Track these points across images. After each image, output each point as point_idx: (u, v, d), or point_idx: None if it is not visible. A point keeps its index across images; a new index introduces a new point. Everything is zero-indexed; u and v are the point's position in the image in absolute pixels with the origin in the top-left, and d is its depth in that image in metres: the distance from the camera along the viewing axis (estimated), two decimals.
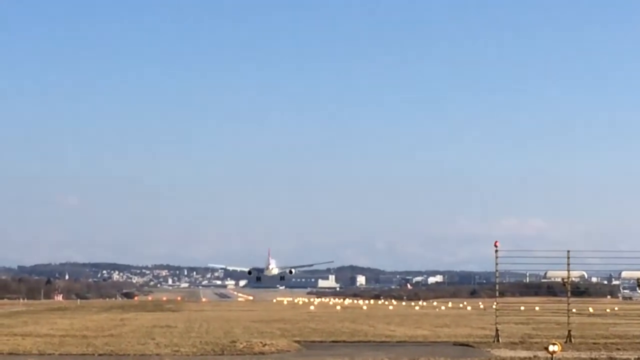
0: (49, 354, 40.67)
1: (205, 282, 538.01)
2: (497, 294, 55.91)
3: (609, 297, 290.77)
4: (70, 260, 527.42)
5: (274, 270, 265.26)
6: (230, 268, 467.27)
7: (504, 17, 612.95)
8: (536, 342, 48.55)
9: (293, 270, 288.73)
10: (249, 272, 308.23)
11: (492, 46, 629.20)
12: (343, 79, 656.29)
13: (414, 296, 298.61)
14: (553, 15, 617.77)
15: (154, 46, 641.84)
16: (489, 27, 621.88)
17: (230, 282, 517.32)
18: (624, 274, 61.35)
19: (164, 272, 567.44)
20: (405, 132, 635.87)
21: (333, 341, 52.12)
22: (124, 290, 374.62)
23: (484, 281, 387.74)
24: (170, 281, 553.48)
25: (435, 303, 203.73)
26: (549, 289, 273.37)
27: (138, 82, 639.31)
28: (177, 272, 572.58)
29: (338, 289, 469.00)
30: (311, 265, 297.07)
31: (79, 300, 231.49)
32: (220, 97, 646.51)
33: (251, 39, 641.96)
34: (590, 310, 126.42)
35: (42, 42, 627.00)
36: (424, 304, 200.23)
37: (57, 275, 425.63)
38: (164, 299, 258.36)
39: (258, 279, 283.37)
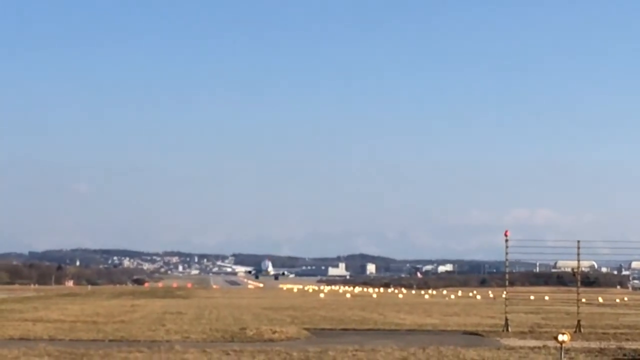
0: (60, 340, 40.82)
1: (215, 269, 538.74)
2: (507, 283, 55.79)
3: (618, 287, 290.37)
4: (81, 246, 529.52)
5: (271, 272, 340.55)
6: (236, 267, 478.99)
7: (512, 7, 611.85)
8: (545, 332, 48.57)
9: (286, 272, 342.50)
10: (250, 272, 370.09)
11: (501, 35, 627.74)
12: (355, 66, 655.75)
13: (423, 285, 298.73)
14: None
15: (161, 28, 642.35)
16: (495, 17, 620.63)
17: (240, 270, 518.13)
18: (634, 264, 61.31)
19: (175, 259, 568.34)
20: (416, 122, 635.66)
21: (343, 329, 52.13)
22: (135, 277, 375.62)
23: (494, 270, 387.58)
24: (180, 268, 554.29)
25: (445, 292, 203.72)
26: (559, 279, 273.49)
27: (147, 69, 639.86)
28: (188, 259, 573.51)
29: (348, 277, 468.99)
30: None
31: (89, 286, 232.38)
32: (230, 88, 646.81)
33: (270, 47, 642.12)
34: (600, 300, 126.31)
35: (50, 31, 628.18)
36: (434, 292, 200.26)
37: (68, 261, 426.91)
38: (175, 285, 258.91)
39: (256, 277, 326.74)
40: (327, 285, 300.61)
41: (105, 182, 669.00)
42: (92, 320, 57.07)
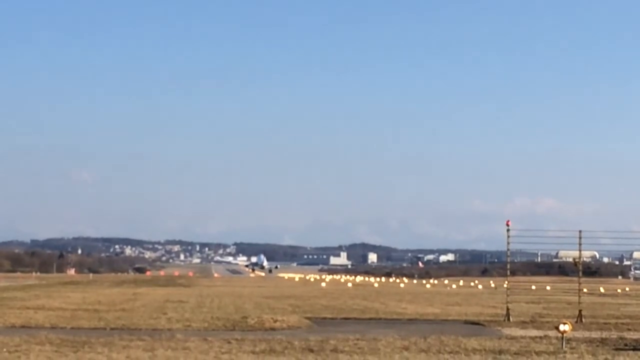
0: (61, 328, 40.80)
1: (217, 258, 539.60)
2: (509, 273, 55.71)
3: (620, 277, 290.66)
4: (83, 234, 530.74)
5: (266, 266, 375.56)
6: (235, 260, 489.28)
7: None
8: (547, 322, 48.53)
9: (278, 266, 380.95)
10: (246, 266, 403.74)
11: (504, 25, 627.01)
12: (357, 57, 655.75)
13: (425, 274, 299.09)
14: None
15: (165, 16, 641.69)
16: (494, 9, 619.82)
17: (242, 258, 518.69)
18: (636, 254, 61.23)
19: (176, 248, 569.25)
20: (418, 112, 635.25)
21: (344, 318, 52.08)
22: (136, 265, 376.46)
23: (496, 260, 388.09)
24: (182, 256, 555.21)
25: (446, 281, 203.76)
26: (561, 269, 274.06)
27: (149, 57, 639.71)
28: (190, 247, 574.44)
29: (350, 266, 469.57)
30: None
31: (91, 275, 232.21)
32: (231, 75, 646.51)
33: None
34: (601, 290, 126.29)
35: (52, 20, 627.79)
36: (435, 282, 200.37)
37: (69, 249, 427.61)
38: (176, 274, 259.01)
39: (253, 270, 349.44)
40: (329, 274, 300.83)
41: (107, 170, 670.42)
42: (93, 309, 57.07)
